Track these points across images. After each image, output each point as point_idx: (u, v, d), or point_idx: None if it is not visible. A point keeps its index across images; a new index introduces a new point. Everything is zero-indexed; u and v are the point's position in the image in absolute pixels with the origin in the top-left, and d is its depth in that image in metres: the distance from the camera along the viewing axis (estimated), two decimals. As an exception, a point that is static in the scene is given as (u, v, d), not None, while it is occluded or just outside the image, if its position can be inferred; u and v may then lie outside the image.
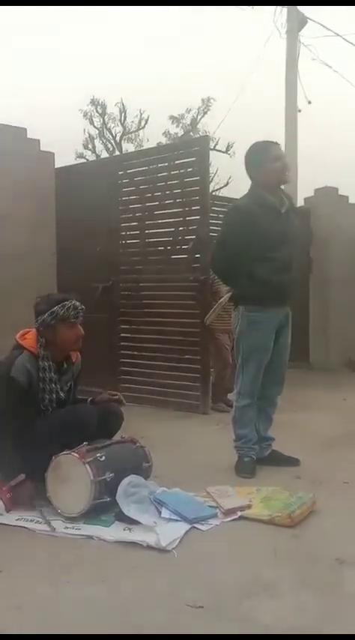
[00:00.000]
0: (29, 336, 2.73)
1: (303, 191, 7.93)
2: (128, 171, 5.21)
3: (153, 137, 18.48)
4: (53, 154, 5.27)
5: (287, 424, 3.99)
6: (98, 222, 5.30)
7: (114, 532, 2.29)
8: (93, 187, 5.29)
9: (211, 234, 4.57)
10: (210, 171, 6.38)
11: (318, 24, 9.09)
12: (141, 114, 18.44)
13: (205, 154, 4.76)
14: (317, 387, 6.06)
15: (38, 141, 5.10)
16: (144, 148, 14.55)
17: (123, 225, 5.34)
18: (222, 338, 4.84)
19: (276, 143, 3.25)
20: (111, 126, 19.06)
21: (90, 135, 18.99)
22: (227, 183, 16.71)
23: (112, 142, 19.17)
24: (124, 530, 2.30)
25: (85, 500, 2.37)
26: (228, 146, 17.47)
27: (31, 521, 2.39)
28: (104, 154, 18.10)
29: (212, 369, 4.91)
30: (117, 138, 19.18)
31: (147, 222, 5.11)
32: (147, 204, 5.05)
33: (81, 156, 18.46)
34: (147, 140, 18.63)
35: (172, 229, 4.93)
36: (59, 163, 5.49)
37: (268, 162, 3.09)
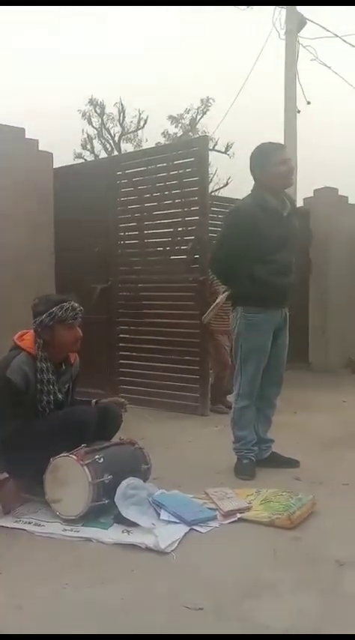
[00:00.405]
0: (27, 337, 2.72)
1: (303, 192, 7.94)
2: (127, 171, 5.21)
3: (152, 137, 18.49)
4: (51, 154, 5.26)
5: (287, 425, 3.99)
6: (97, 223, 5.29)
7: (113, 534, 2.28)
8: (92, 188, 5.29)
9: (210, 234, 4.56)
10: (209, 172, 6.36)
11: (317, 25, 9.08)
12: (140, 114, 18.46)
13: (204, 155, 4.75)
14: (317, 388, 6.05)
15: (37, 141, 5.09)
16: (143, 148, 14.55)
17: (121, 225, 5.33)
18: (221, 339, 4.83)
19: (283, 146, 3.24)
20: (109, 126, 19.08)
21: (88, 135, 19.01)
22: (226, 184, 16.74)
23: (111, 142, 19.18)
24: (123, 532, 2.29)
25: (84, 502, 2.36)
26: (227, 146, 17.50)
27: (30, 523, 2.38)
28: (103, 154, 18.11)
29: (211, 370, 4.90)
30: (116, 138, 19.19)
31: (145, 223, 5.10)
32: (146, 204, 5.04)
33: (79, 156, 18.47)
34: (146, 140, 18.65)
35: (171, 230, 4.93)
36: (58, 163, 5.48)
37: (273, 165, 3.08)
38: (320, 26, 9.10)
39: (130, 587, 1.90)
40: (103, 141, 19.22)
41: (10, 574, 2.00)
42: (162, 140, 18.42)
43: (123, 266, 5.27)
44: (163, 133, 19.31)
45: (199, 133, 17.92)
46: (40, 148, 5.13)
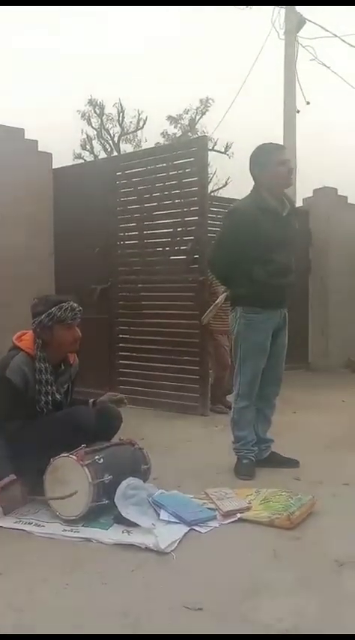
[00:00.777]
0: (26, 338, 2.72)
1: (302, 192, 7.95)
2: (126, 171, 5.21)
3: (151, 137, 18.52)
4: (51, 154, 5.27)
5: (287, 425, 3.99)
6: (96, 223, 5.29)
7: (113, 534, 2.28)
8: (91, 188, 5.29)
9: (210, 234, 4.56)
10: (209, 172, 6.37)
11: (316, 25, 9.09)
12: (139, 114, 18.48)
13: (204, 155, 4.76)
14: (317, 387, 6.06)
15: (36, 141, 5.11)
16: (143, 148, 14.55)
17: (121, 226, 5.33)
18: (220, 339, 4.83)
19: (282, 146, 3.25)
20: (109, 126, 19.11)
21: (88, 135, 19.03)
22: (226, 184, 16.76)
23: (110, 142, 19.20)
24: (123, 532, 2.29)
25: (84, 502, 2.36)
26: (227, 146, 17.53)
27: (30, 523, 2.38)
28: (102, 155, 18.13)
29: (211, 371, 4.90)
30: (116, 138, 19.19)
31: (145, 223, 5.11)
32: (146, 205, 5.04)
33: (79, 156, 18.49)
34: (146, 140, 18.68)
35: (170, 230, 4.93)
36: (57, 164, 5.49)
37: (273, 166, 3.08)
38: (319, 26, 9.11)
39: (130, 588, 1.90)
40: (103, 141, 19.23)
41: (10, 574, 2.00)
42: (162, 140, 18.44)
43: (123, 266, 5.27)
44: (162, 134, 19.33)
45: (198, 133, 17.94)
46: (39, 149, 5.14)
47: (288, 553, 2.17)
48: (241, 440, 3.19)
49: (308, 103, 9.14)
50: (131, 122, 18.93)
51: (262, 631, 1.66)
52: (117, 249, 5.30)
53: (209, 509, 2.51)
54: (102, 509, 2.41)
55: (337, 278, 7.45)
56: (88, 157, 18.29)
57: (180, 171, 4.80)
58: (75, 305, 2.71)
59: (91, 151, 19.07)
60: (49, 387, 2.67)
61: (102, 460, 2.45)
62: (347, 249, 7.51)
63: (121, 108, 18.59)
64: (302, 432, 4.10)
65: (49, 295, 2.92)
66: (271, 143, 3.19)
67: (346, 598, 1.86)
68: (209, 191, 6.56)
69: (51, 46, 27.07)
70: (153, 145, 14.52)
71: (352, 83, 9.32)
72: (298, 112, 8.95)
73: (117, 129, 19.16)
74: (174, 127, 19.67)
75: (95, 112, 18.82)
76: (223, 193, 14.63)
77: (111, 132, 19.22)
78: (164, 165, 4.91)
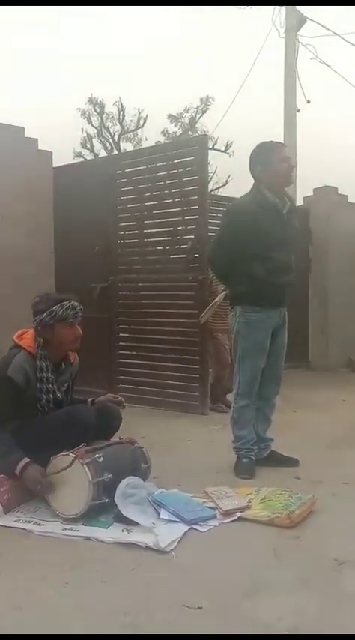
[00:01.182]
0: (27, 336, 2.72)
1: (302, 190, 7.94)
2: (126, 170, 5.20)
3: (151, 136, 18.53)
4: (51, 153, 5.26)
5: (287, 424, 3.99)
6: (96, 222, 5.28)
7: (113, 533, 2.28)
8: (92, 187, 5.28)
9: (210, 233, 4.56)
10: (209, 171, 6.37)
11: (317, 23, 9.07)
12: (139, 113, 18.49)
13: (204, 153, 4.75)
14: (317, 386, 6.05)
15: (36, 140, 5.09)
16: (143, 147, 14.55)
17: (121, 224, 5.33)
18: (221, 338, 4.83)
19: (283, 144, 3.24)
20: (109, 125, 19.10)
21: (88, 134, 19.03)
22: (226, 183, 16.77)
23: (110, 141, 19.20)
24: (123, 531, 2.29)
25: (84, 501, 2.36)
26: (227, 145, 17.54)
27: (29, 522, 2.38)
28: (102, 153, 18.12)
29: (211, 370, 4.90)
30: (116, 137, 19.19)
31: (145, 222, 5.10)
32: (146, 203, 5.04)
33: (79, 155, 18.49)
34: (146, 139, 18.69)
35: (171, 229, 4.92)
36: (57, 163, 5.48)
37: (274, 163, 3.08)
38: (320, 25, 9.09)
39: (130, 587, 1.90)
40: (103, 140, 19.23)
41: (9, 574, 2.00)
42: (162, 139, 18.44)
43: (123, 265, 5.26)
44: (163, 132, 19.34)
45: (199, 131, 17.95)
46: (39, 147, 5.13)
47: (288, 552, 2.17)
48: (241, 439, 3.19)
49: (308, 101, 9.13)
50: (131, 121, 18.95)
51: (262, 630, 1.66)
52: (118, 248, 5.29)
53: (209, 508, 2.51)
54: (102, 507, 2.41)
55: (337, 277, 7.44)
56: (88, 156, 18.29)
57: (180, 170, 4.79)
58: (76, 303, 2.72)
59: (91, 150, 19.07)
60: (51, 386, 2.67)
61: (102, 459, 2.45)
62: (348, 248, 7.50)
63: (122, 106, 18.61)
64: (302, 431, 4.10)
65: (49, 293, 2.92)
66: (271, 141, 3.19)
67: (346, 597, 1.86)
68: (209, 190, 6.56)
69: (51, 46, 27.10)
70: (153, 144, 14.52)
71: (352, 82, 9.32)
72: (298, 110, 8.94)
73: (118, 127, 19.18)
74: (175, 126, 19.69)
75: (95, 110, 18.83)
76: (223, 192, 14.63)
77: (111, 130, 19.24)
78: (164, 163, 4.90)
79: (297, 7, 8.89)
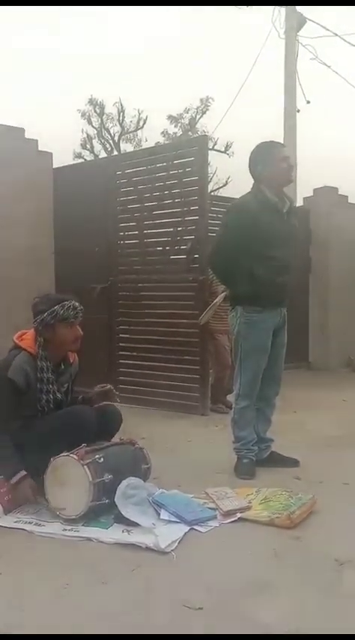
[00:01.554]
0: (27, 337, 2.72)
1: (302, 191, 7.94)
2: (126, 171, 5.20)
3: (151, 137, 18.53)
4: (51, 153, 5.27)
5: (287, 425, 3.99)
6: (96, 223, 5.28)
7: (113, 534, 2.28)
8: (92, 187, 5.28)
9: (210, 234, 4.56)
10: (209, 171, 6.36)
11: (317, 24, 9.08)
12: (139, 114, 18.49)
13: (204, 154, 4.75)
14: (317, 387, 6.06)
15: (36, 141, 5.10)
16: (143, 147, 14.55)
17: (121, 225, 5.33)
18: (221, 339, 4.83)
19: (282, 144, 3.24)
20: (109, 126, 19.11)
21: (88, 135, 19.03)
22: (226, 183, 16.77)
23: (110, 141, 19.20)
24: (123, 532, 2.29)
25: (84, 502, 2.36)
26: (227, 146, 17.54)
27: (30, 523, 2.38)
28: (102, 154, 18.12)
29: (211, 370, 4.90)
30: (116, 138, 19.19)
31: (145, 223, 5.10)
32: (146, 204, 5.03)
33: (79, 156, 18.49)
34: (146, 140, 18.68)
35: (171, 229, 4.92)
36: (57, 163, 5.49)
37: (274, 163, 3.08)
38: (320, 25, 9.11)
39: (130, 587, 1.90)
40: (103, 140, 19.24)
41: (10, 574, 2.00)
42: (162, 140, 18.43)
43: (123, 266, 5.26)
44: (163, 133, 19.34)
45: (199, 132, 17.94)
46: (39, 148, 5.13)
47: (288, 552, 2.17)
48: (241, 439, 3.19)
49: (308, 102, 9.16)
50: (131, 121, 18.95)
51: (262, 631, 1.66)
52: (118, 249, 5.29)
53: (209, 508, 2.51)
54: (102, 508, 2.41)
55: (337, 277, 7.44)
56: (88, 157, 18.29)
57: (180, 171, 4.79)
58: (76, 304, 2.72)
59: (91, 151, 19.07)
60: (51, 386, 2.67)
61: (102, 459, 2.45)
62: (348, 248, 7.51)
63: (121, 107, 18.61)
64: (303, 431, 4.09)
65: (50, 294, 2.92)
66: (271, 141, 3.20)
67: (346, 597, 1.86)
68: (209, 190, 6.56)
69: (51, 46, 27.12)
70: (153, 145, 14.52)
71: (352, 82, 9.33)
72: (298, 111, 8.96)
73: (118, 128, 19.18)
74: (175, 127, 19.69)
75: (95, 111, 18.83)
76: (223, 193, 14.62)
77: (111, 131, 19.24)
78: (164, 164, 4.91)
79: (297, 8, 8.90)
